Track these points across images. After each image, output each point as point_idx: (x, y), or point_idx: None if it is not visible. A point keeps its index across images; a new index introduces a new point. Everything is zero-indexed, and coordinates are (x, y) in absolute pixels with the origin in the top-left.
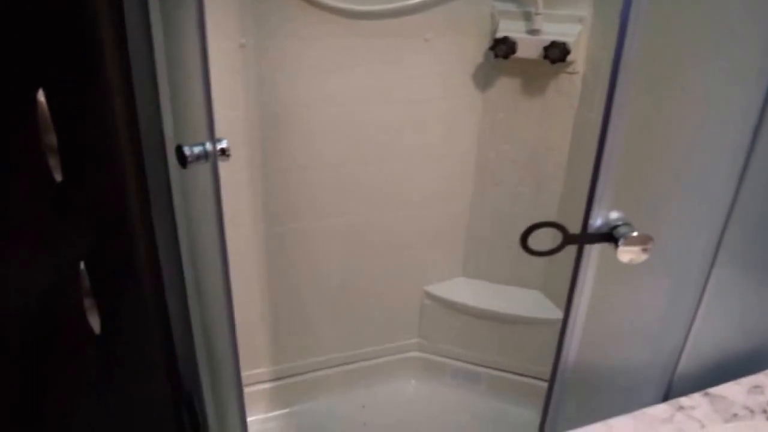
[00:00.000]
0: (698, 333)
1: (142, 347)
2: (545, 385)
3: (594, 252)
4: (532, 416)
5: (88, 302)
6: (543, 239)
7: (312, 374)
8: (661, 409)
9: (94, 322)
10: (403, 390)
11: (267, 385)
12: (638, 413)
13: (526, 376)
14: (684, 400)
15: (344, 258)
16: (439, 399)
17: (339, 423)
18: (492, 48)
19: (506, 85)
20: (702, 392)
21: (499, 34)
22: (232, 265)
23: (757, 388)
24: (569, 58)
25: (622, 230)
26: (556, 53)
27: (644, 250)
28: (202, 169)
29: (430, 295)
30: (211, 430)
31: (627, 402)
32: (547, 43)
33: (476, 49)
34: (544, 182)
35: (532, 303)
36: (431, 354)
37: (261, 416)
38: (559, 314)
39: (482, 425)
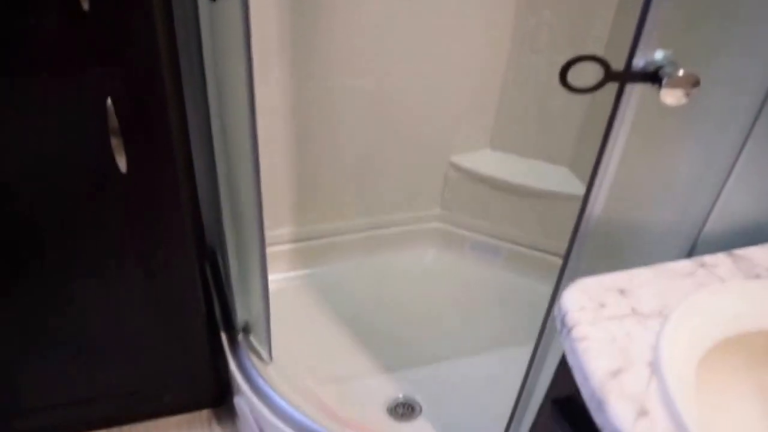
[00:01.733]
0: (729, 194)
1: (167, 188)
2: None
3: (634, 95)
4: (550, 292)
5: (114, 141)
6: (585, 77)
7: (333, 238)
8: (683, 264)
9: (121, 161)
10: (422, 259)
11: (288, 246)
12: (659, 266)
13: (546, 252)
14: (707, 258)
15: (372, 122)
16: (457, 270)
17: (357, 286)
18: None
19: None
20: (726, 252)
21: None
22: (260, 122)
23: None
24: None
25: (667, 69)
26: None
27: (687, 94)
28: (231, 3)
29: (454, 166)
30: (234, 285)
31: (652, 256)
32: None
33: None
34: (583, 52)
35: (558, 179)
36: (452, 225)
37: (281, 275)
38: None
39: (499, 298)
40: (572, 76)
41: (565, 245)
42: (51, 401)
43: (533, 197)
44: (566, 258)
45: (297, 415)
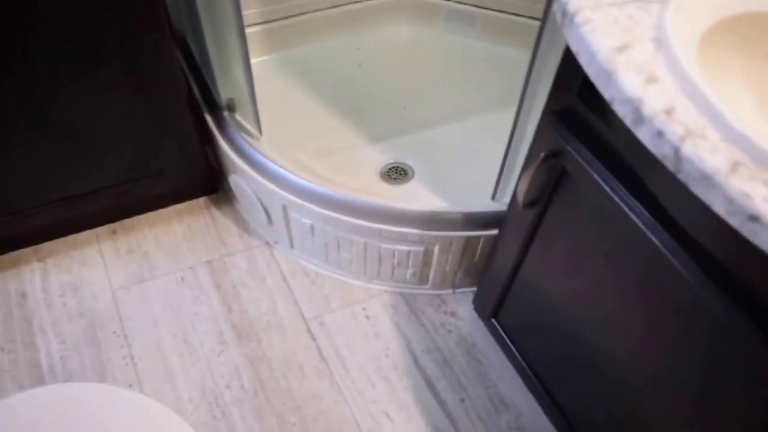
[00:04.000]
0: None
1: None
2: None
3: None
4: (527, 58)
5: None
6: None
7: (303, 17)
8: None
9: None
10: (397, 33)
11: (258, 28)
12: None
13: (522, 15)
14: None
15: None
16: (432, 41)
17: (333, 63)
18: None
19: None
20: None
21: None
22: None
23: None
24: None
25: None
26: None
27: None
28: None
29: None
30: (214, 66)
31: None
32: None
33: None
34: None
35: None
36: None
37: (255, 59)
38: None
39: (478, 66)
40: None
41: (541, 6)
42: (44, 200)
43: None
44: None
45: (296, 180)
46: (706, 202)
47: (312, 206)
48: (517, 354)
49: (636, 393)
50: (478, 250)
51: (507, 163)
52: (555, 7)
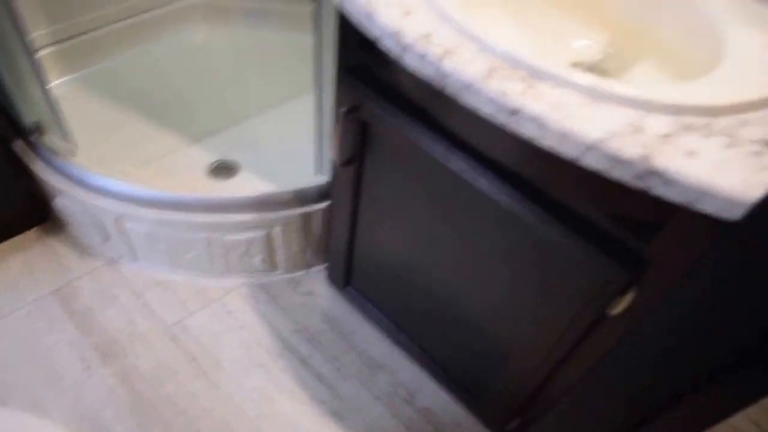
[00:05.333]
0: None
1: None
2: None
3: None
4: None
5: None
6: None
7: (97, 32)
8: None
9: None
10: (194, 37)
11: (53, 49)
12: None
13: None
14: None
15: None
16: (233, 37)
17: (136, 77)
18: None
19: None
20: None
21: None
22: None
23: None
24: None
25: None
26: None
27: None
28: None
29: None
30: (14, 97)
31: None
32: None
33: None
34: None
35: None
36: None
37: (59, 80)
38: None
39: (279, 55)
40: None
41: None
42: None
43: None
44: None
45: (123, 188)
46: (475, 108)
47: (144, 212)
48: (378, 314)
49: (486, 321)
50: (319, 225)
51: (320, 132)
52: None
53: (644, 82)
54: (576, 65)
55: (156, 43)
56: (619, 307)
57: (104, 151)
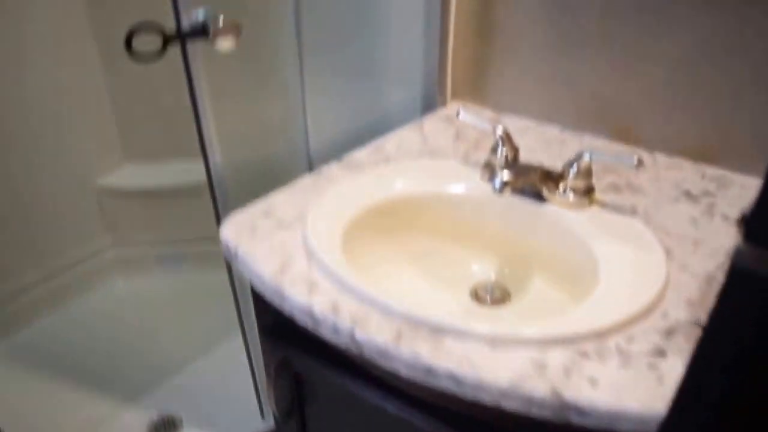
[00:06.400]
0: (313, 117)
1: None
2: None
3: (199, 54)
4: None
5: None
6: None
7: (14, 303)
8: (306, 179)
9: None
10: (112, 292)
11: None
12: (290, 186)
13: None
14: (324, 168)
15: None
16: (152, 289)
17: (59, 342)
18: None
19: None
20: (336, 160)
21: None
22: None
23: (378, 149)
24: None
25: (211, 22)
26: None
27: (236, 36)
28: None
29: (103, 190)
30: None
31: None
32: None
33: None
34: None
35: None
36: (128, 247)
37: None
38: None
39: (204, 296)
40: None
41: None
42: None
43: (189, 193)
44: (216, 209)
45: None
46: (395, 370)
47: None
48: None
49: None
50: None
51: (255, 379)
52: (222, 248)
53: (539, 309)
54: (476, 289)
55: (75, 304)
56: None
57: (34, 426)
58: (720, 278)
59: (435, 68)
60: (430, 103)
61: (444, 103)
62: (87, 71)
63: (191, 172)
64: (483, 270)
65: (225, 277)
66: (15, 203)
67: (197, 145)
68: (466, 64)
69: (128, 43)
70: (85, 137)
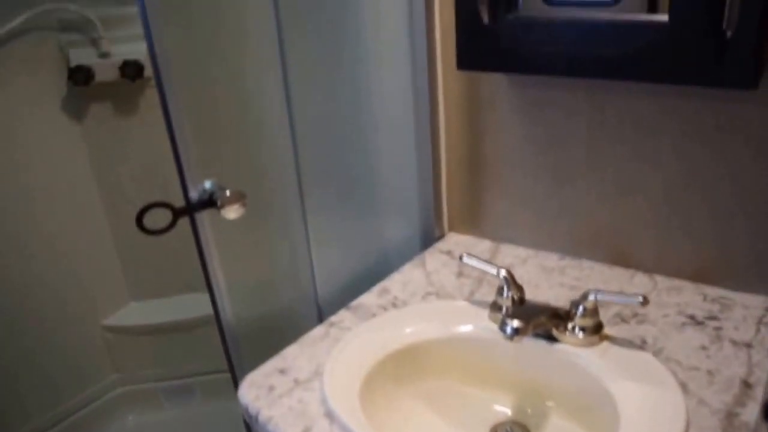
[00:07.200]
0: (321, 267)
1: None
2: None
3: (206, 221)
4: None
5: None
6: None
7: None
8: (318, 330)
9: None
10: (124, 428)
11: None
12: (301, 339)
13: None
14: (333, 318)
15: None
16: (163, 422)
17: None
18: (70, 77)
19: (100, 111)
20: (345, 308)
21: (73, 64)
22: None
23: (384, 291)
24: (147, 72)
25: (218, 194)
26: (132, 71)
27: (243, 205)
28: None
29: (108, 329)
30: None
31: (295, 335)
32: (120, 64)
33: (57, 83)
34: (169, 188)
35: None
36: (136, 384)
37: None
38: None
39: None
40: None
41: None
42: None
43: (193, 328)
44: (230, 364)
45: None
46: None
47: None
48: None
49: None
50: None
51: None
52: (241, 410)
53: None
54: (496, 428)
55: None
56: None
57: None
58: (739, 413)
59: (431, 202)
60: (428, 235)
61: (442, 234)
62: (89, 215)
63: (196, 305)
64: (500, 408)
65: (233, 406)
66: (21, 347)
67: (201, 281)
68: (461, 196)
69: (139, 221)
70: (90, 279)
